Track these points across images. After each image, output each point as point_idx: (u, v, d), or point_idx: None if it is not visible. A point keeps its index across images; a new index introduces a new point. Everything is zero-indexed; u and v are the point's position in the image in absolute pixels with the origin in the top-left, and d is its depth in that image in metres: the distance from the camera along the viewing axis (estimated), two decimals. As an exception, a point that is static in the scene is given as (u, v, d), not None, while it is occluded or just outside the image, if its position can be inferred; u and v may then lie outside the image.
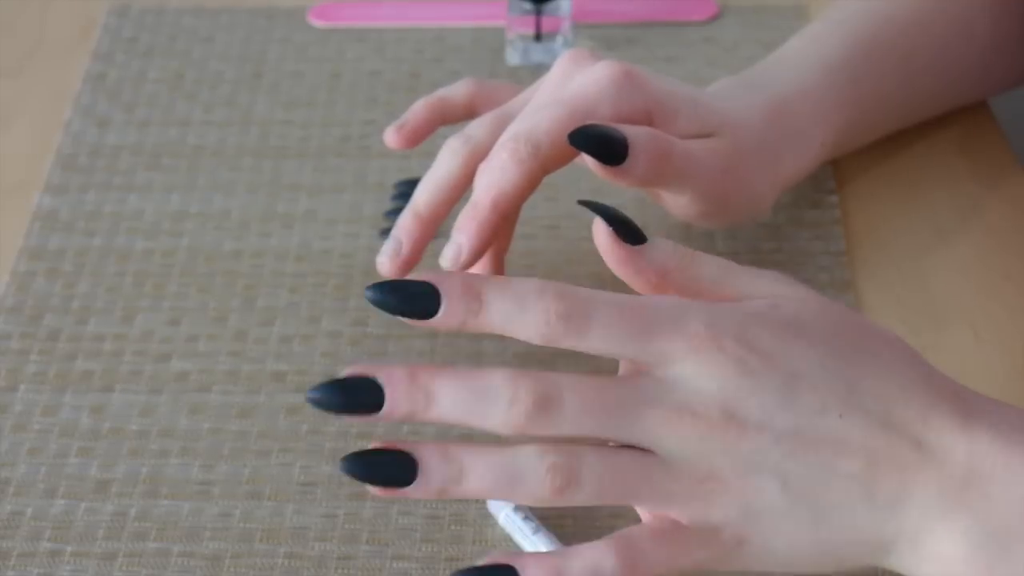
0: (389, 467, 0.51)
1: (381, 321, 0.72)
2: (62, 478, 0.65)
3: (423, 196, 0.67)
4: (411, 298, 0.52)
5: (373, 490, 0.51)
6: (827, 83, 0.72)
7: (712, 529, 0.51)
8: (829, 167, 0.78)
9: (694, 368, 0.51)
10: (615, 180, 0.61)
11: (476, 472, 0.51)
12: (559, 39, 0.86)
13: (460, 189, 0.67)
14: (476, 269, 0.66)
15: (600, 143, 0.59)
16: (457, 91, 0.72)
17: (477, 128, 0.67)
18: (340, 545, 0.62)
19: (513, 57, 0.87)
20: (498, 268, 0.68)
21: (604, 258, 0.54)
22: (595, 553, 0.51)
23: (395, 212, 0.77)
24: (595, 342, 0.51)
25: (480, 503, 0.63)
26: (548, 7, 0.85)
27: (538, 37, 0.87)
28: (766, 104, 0.69)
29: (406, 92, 0.86)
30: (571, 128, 0.59)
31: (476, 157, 0.65)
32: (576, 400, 0.51)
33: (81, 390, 0.69)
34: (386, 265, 0.67)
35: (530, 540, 0.60)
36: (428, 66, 0.88)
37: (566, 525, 0.62)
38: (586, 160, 0.61)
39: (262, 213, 0.78)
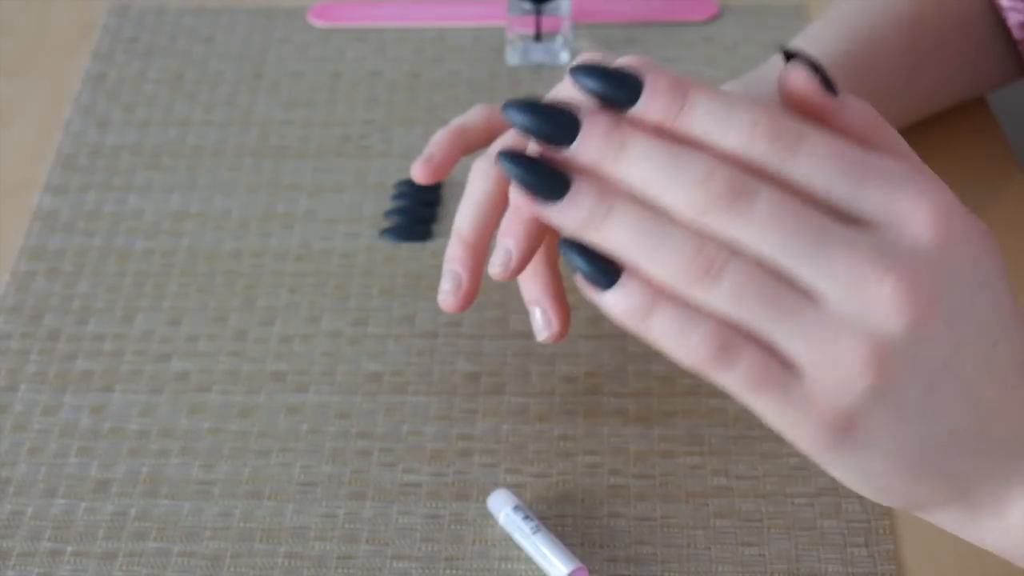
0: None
1: (381, 321, 0.72)
2: (62, 478, 0.65)
3: (466, 223, 0.64)
4: (616, 83, 0.48)
5: (520, 197, 0.48)
6: None
7: (826, 392, 0.47)
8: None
9: (926, 238, 0.47)
10: None
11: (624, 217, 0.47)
12: (559, 39, 0.86)
13: (500, 207, 0.64)
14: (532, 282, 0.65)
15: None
16: (473, 118, 0.70)
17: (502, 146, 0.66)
18: (340, 545, 0.62)
19: (513, 57, 0.87)
20: (554, 278, 0.63)
21: (791, 104, 0.49)
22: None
23: (395, 212, 0.77)
24: (803, 169, 0.46)
25: (480, 503, 0.63)
26: (548, 7, 0.85)
27: (538, 37, 0.87)
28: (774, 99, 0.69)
29: (406, 92, 0.86)
30: None
31: None
32: (770, 208, 0.46)
33: (81, 390, 0.69)
34: (450, 301, 0.63)
35: (530, 540, 0.61)
36: (428, 66, 0.88)
37: (566, 524, 0.62)
38: None
39: (262, 213, 0.78)
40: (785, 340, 0.46)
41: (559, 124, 0.47)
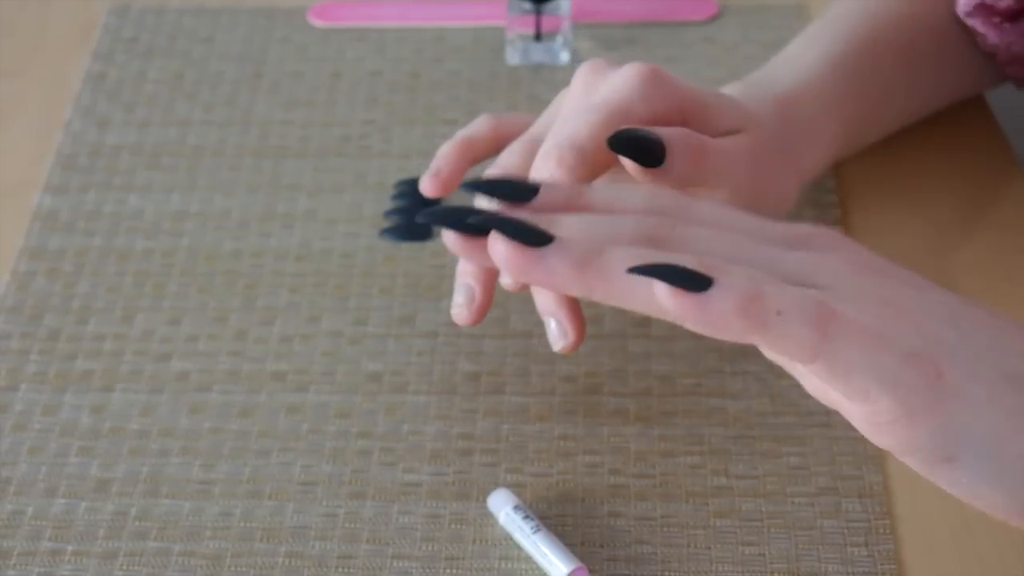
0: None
1: (381, 320, 0.72)
2: (63, 477, 0.65)
3: None
4: (514, 186, 0.52)
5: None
6: (830, 77, 0.72)
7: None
8: (829, 167, 0.78)
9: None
10: (655, 182, 0.61)
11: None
12: (559, 39, 0.87)
13: None
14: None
15: (638, 146, 0.60)
16: (479, 128, 0.71)
17: (509, 156, 0.66)
18: (340, 544, 0.62)
19: (513, 57, 0.87)
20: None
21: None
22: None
23: (395, 212, 0.77)
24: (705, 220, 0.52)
25: (480, 502, 0.63)
26: (548, 7, 0.85)
27: (538, 37, 0.87)
28: (775, 101, 0.70)
29: (406, 92, 0.86)
30: (610, 131, 0.59)
31: None
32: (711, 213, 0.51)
33: (81, 390, 0.69)
34: (464, 315, 0.64)
35: (530, 540, 0.61)
36: (428, 66, 0.88)
37: (567, 524, 0.62)
38: (625, 163, 0.60)
39: (262, 213, 0.78)
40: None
41: (519, 186, 0.51)
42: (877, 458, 0.65)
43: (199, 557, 0.61)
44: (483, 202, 0.50)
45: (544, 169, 0.61)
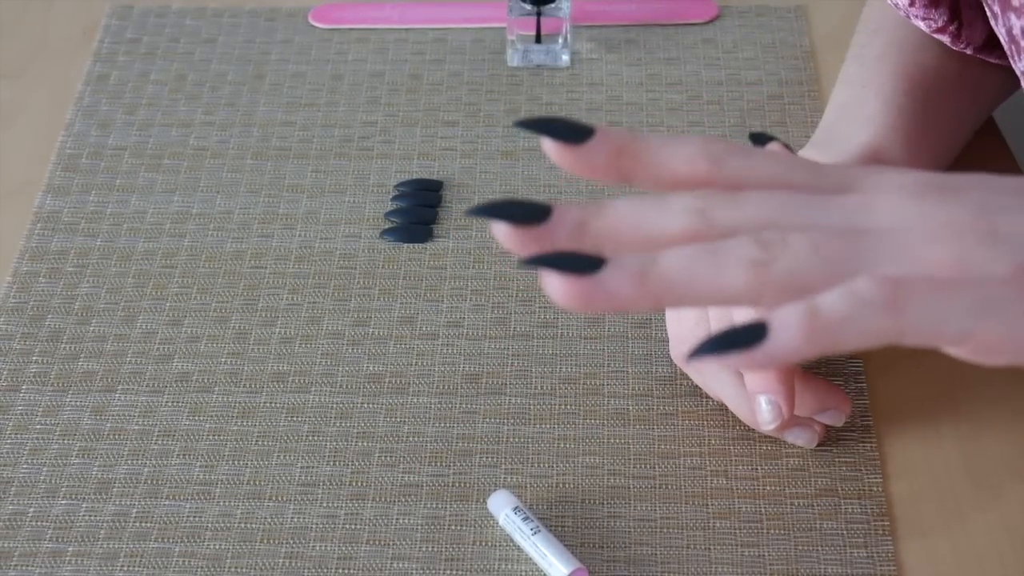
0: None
1: (381, 321, 0.72)
2: (63, 478, 0.65)
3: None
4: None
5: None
6: (901, 125, 0.72)
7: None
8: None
9: None
10: None
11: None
12: (559, 41, 0.87)
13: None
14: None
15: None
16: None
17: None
18: (340, 545, 0.62)
19: (514, 58, 0.88)
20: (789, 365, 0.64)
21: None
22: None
23: (396, 213, 0.78)
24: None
25: (480, 503, 0.63)
26: (548, 9, 0.86)
27: (538, 39, 0.87)
28: (862, 159, 0.70)
29: (407, 93, 0.86)
30: None
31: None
32: (758, 194, 0.48)
33: (82, 391, 0.69)
34: (771, 428, 0.64)
35: (530, 540, 0.61)
36: (429, 67, 0.88)
37: (566, 525, 0.62)
38: None
39: (263, 214, 0.78)
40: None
41: (531, 208, 0.47)
42: (876, 459, 0.65)
43: (199, 558, 0.61)
44: (499, 227, 0.48)
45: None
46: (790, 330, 0.45)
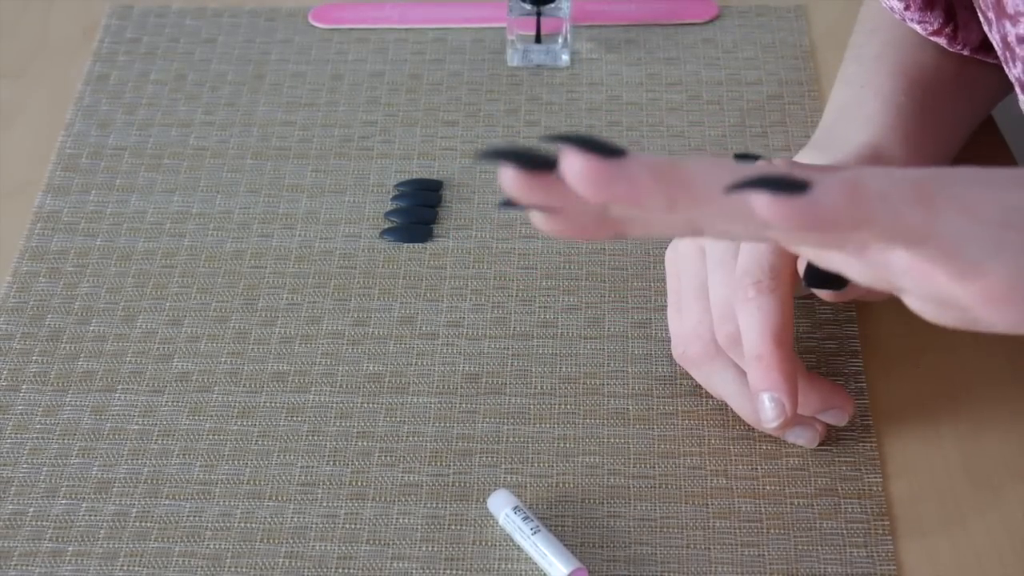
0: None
1: (381, 321, 0.72)
2: (63, 478, 0.65)
3: (765, 345, 0.63)
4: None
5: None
6: (900, 125, 0.72)
7: None
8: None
9: None
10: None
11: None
12: (559, 40, 0.87)
13: (784, 316, 0.63)
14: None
15: (826, 279, 0.60)
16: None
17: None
18: (340, 545, 0.62)
19: (514, 58, 0.88)
20: (795, 363, 0.64)
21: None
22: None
23: (396, 213, 0.78)
24: None
25: (480, 503, 0.63)
26: (548, 9, 0.86)
27: (538, 39, 0.87)
28: (859, 160, 0.70)
29: (407, 93, 0.86)
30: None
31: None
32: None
33: (82, 390, 0.69)
34: (774, 426, 0.63)
35: (530, 540, 0.61)
36: (429, 67, 0.88)
37: (566, 525, 0.62)
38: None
39: (263, 214, 0.78)
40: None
41: (541, 157, 0.46)
42: (876, 459, 0.65)
43: (199, 558, 0.61)
44: (507, 173, 0.47)
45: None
46: (831, 193, 0.45)
